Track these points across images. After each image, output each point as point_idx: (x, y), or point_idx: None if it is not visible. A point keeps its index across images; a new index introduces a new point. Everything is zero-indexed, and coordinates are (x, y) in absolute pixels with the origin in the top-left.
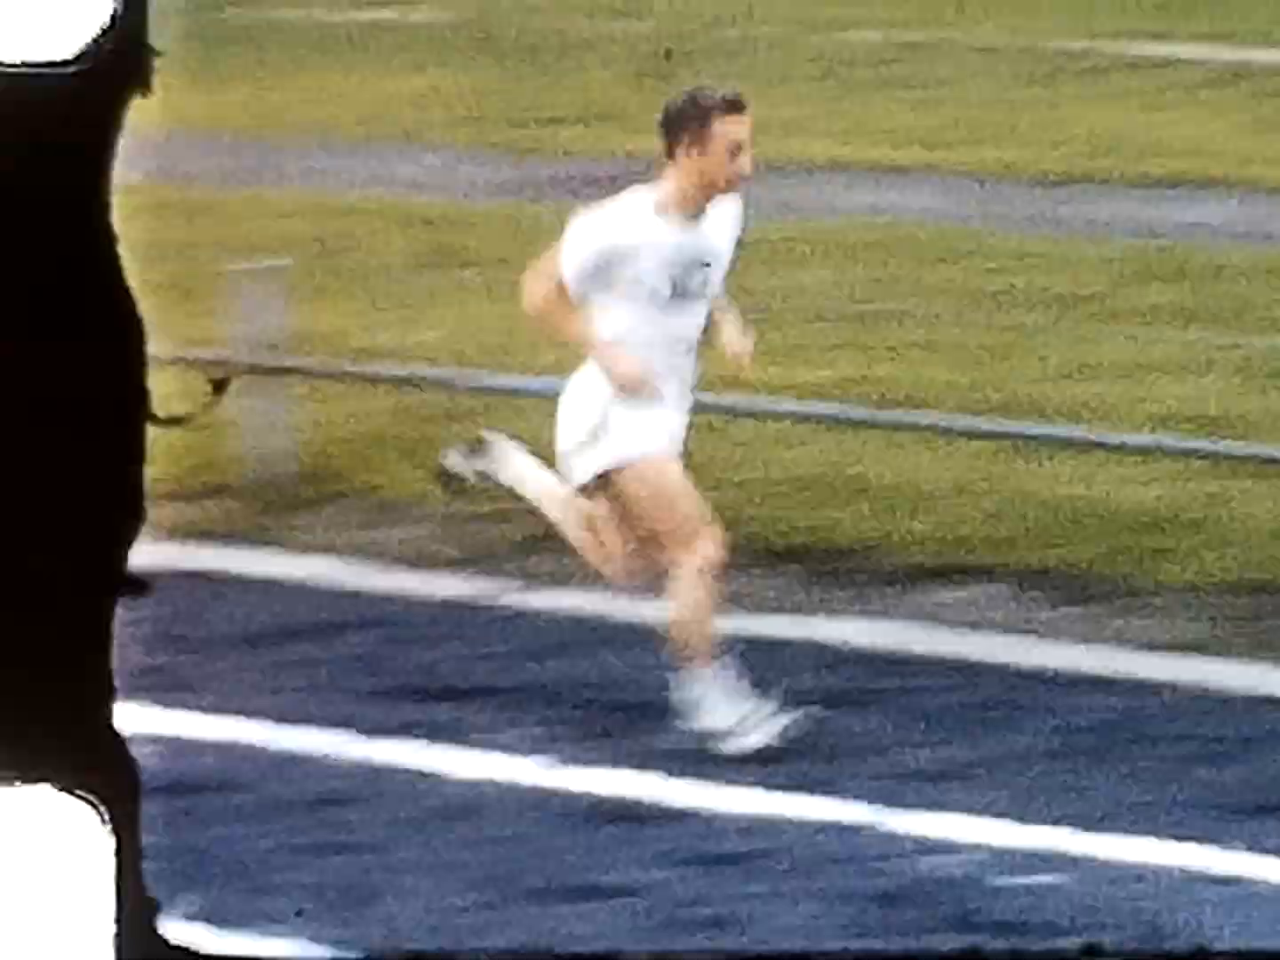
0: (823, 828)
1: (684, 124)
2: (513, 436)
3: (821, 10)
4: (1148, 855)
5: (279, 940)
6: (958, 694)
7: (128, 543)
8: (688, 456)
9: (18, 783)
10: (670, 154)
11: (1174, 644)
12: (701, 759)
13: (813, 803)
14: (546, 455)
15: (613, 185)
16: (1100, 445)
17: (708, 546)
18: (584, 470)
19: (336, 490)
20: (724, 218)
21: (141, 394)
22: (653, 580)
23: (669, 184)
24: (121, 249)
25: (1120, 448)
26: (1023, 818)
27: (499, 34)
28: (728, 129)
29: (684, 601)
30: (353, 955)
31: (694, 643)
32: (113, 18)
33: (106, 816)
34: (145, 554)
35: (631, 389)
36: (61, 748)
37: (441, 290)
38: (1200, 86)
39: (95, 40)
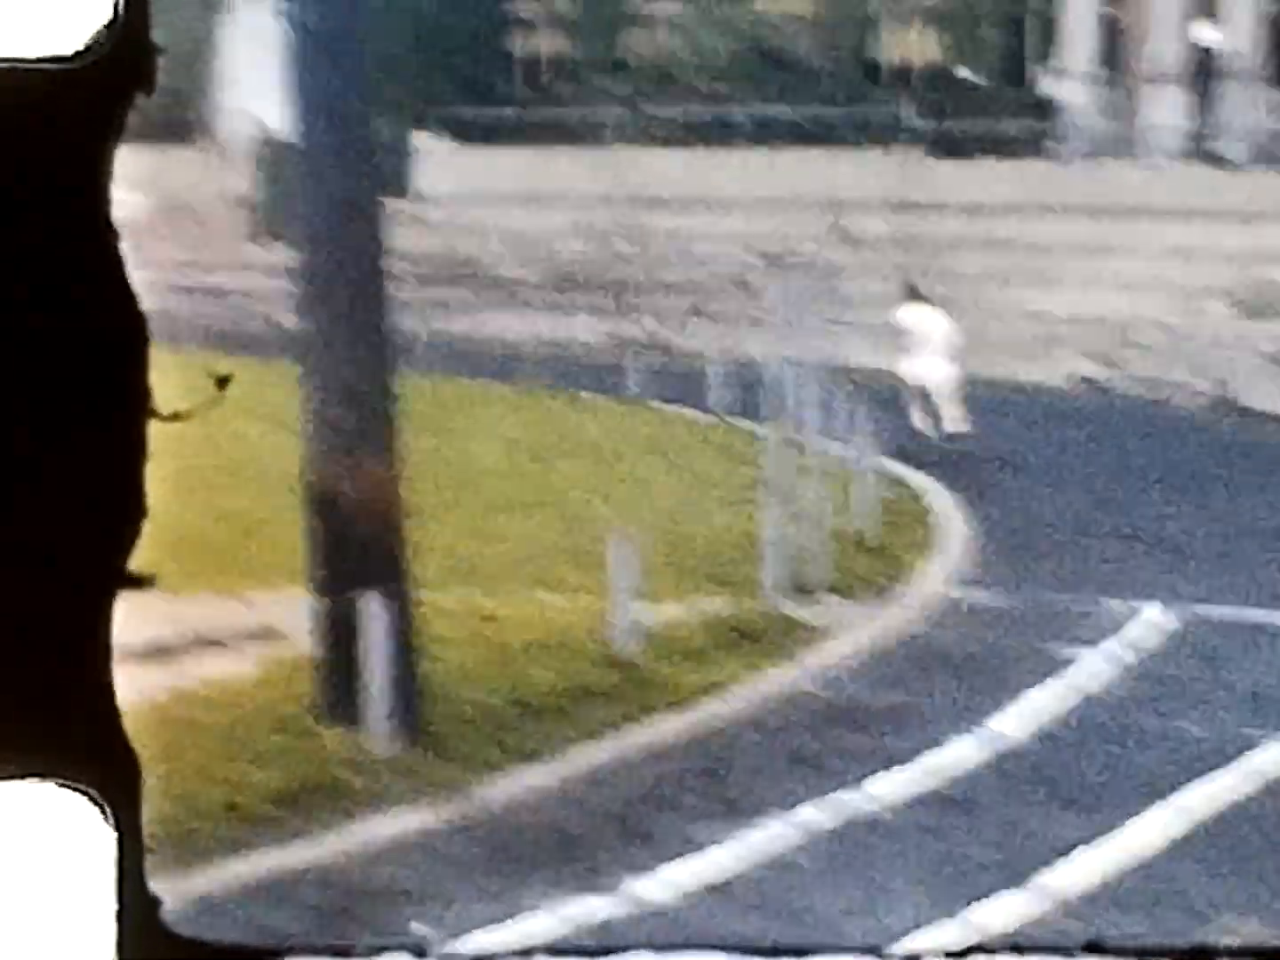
0: None
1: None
2: None
3: None
4: None
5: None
6: None
7: (129, 539)
8: None
9: (21, 778)
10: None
11: None
12: None
13: None
14: None
15: None
16: None
17: None
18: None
19: None
20: None
21: (143, 390)
22: None
23: None
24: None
25: None
26: None
27: None
28: None
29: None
30: (356, 946)
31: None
32: (115, 15)
33: (109, 812)
34: None
35: None
36: (64, 744)
37: None
38: None
39: (98, 37)
